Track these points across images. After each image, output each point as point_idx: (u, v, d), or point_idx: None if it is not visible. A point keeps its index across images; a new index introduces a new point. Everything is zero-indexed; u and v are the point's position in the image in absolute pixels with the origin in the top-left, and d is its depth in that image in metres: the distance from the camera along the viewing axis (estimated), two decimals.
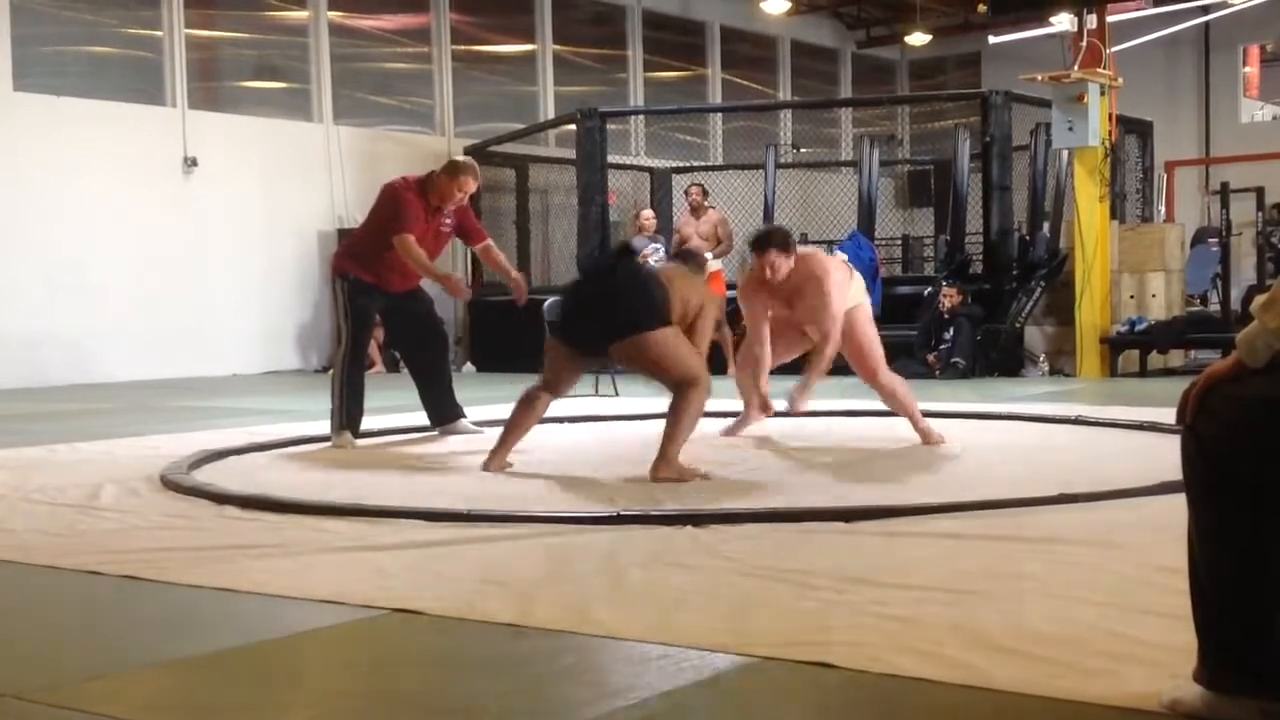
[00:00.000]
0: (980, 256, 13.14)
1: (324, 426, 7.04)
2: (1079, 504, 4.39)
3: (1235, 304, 13.80)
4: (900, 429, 6.50)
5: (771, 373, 6.68)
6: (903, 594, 3.18)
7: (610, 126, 14.68)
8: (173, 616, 3.31)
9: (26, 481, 5.48)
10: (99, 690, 2.66)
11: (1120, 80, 11.59)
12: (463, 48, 16.89)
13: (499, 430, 7.36)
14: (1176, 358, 12.05)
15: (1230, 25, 19.14)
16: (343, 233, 14.64)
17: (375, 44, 16.25)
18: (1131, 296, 11.82)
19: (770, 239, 6.22)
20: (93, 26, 13.80)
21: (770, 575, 3.43)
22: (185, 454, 6.07)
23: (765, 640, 2.80)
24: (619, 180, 16.16)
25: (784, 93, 20.94)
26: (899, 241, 17.65)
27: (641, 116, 17.86)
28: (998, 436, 6.82)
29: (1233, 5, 17.81)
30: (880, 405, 6.71)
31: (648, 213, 14.12)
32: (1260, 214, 15.43)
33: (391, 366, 13.26)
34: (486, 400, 9.10)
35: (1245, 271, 16.03)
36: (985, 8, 13.09)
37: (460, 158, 7.24)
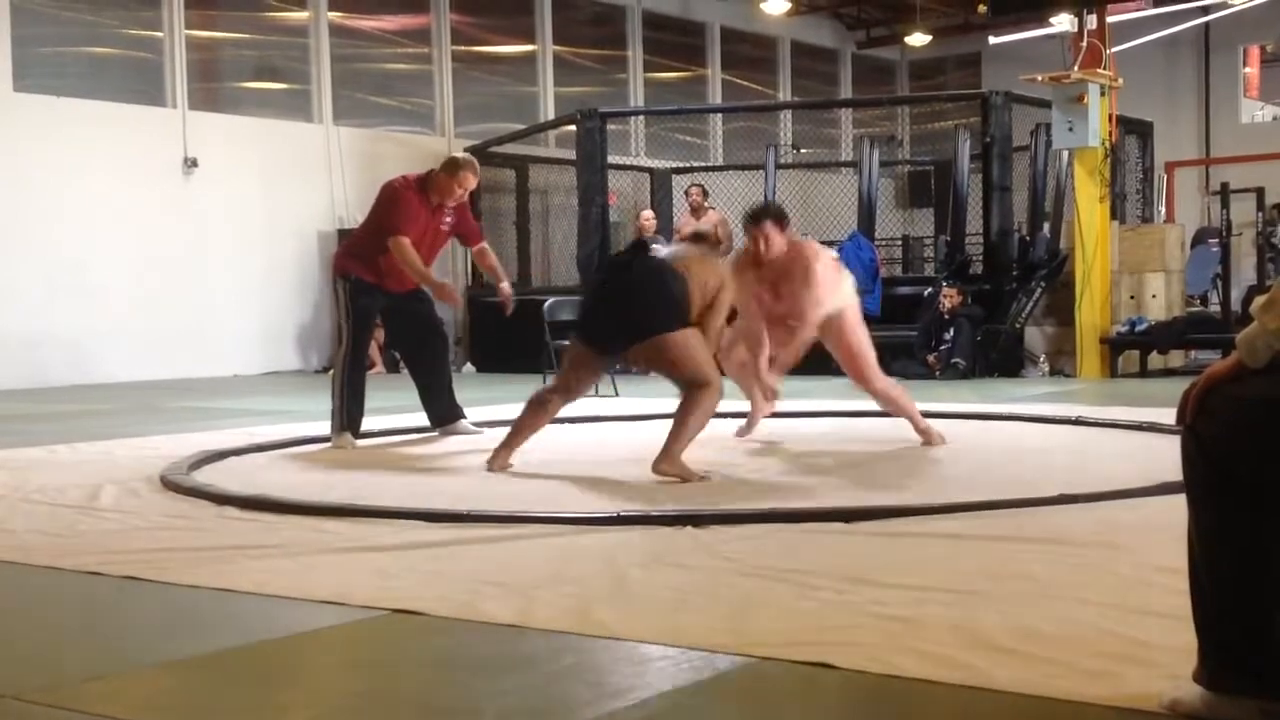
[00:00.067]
0: (980, 257, 13.14)
1: (324, 427, 7.04)
2: (1079, 504, 4.39)
3: (1235, 304, 13.79)
4: (901, 429, 6.50)
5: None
6: (903, 594, 3.18)
7: (610, 127, 14.68)
8: (173, 616, 3.31)
9: (27, 482, 5.48)
10: (99, 690, 2.66)
11: (1120, 81, 11.59)
12: (463, 48, 16.90)
13: (499, 431, 7.37)
14: (1177, 358, 12.06)
15: (1230, 26, 19.14)
16: (343, 233, 14.65)
17: (375, 45, 16.25)
18: (1131, 297, 11.82)
19: (766, 211, 6.26)
20: (93, 27, 13.80)
21: (770, 575, 3.43)
22: (185, 454, 6.07)
23: (765, 640, 2.80)
24: (619, 181, 16.16)
25: (784, 93, 20.94)
26: (899, 242, 17.66)
27: (641, 117, 17.86)
28: (998, 437, 6.82)
29: (1233, 5, 17.81)
30: (880, 406, 6.69)
31: (648, 213, 14.13)
32: (1260, 214, 15.43)
33: (392, 367, 13.27)
34: (486, 401, 9.11)
35: (1245, 272, 16.02)
36: (985, 8, 13.08)
37: (460, 154, 7.24)
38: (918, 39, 20.50)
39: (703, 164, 17.21)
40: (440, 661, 2.84)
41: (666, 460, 5.23)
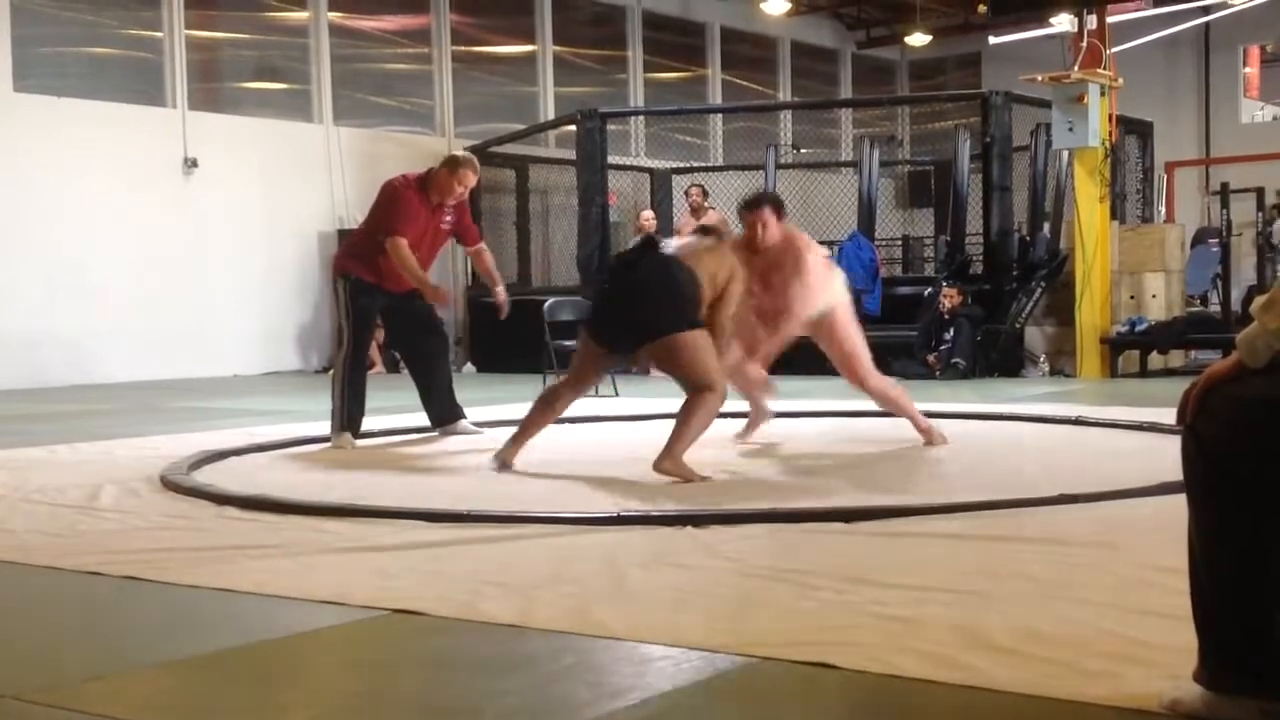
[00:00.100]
0: (980, 257, 13.15)
1: (324, 427, 7.04)
2: (1079, 504, 4.39)
3: (1235, 304, 13.80)
4: (901, 429, 6.50)
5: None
6: (903, 594, 3.18)
7: (610, 127, 14.69)
8: (173, 616, 3.31)
9: (27, 482, 5.49)
10: (99, 690, 2.66)
11: (1120, 81, 11.60)
12: (463, 48, 16.90)
13: (499, 431, 7.37)
14: (1177, 358, 12.06)
15: (1230, 26, 19.14)
16: (343, 233, 14.65)
17: (375, 45, 16.26)
18: (1131, 297, 11.82)
19: (765, 198, 6.23)
20: (93, 27, 13.81)
21: (770, 575, 3.43)
22: (185, 454, 6.07)
23: (766, 640, 2.80)
24: (619, 181, 16.17)
25: (784, 93, 20.94)
26: (899, 242, 17.66)
27: (641, 117, 17.87)
28: (998, 437, 6.82)
29: (1233, 5, 17.82)
30: (878, 405, 6.68)
31: (648, 213, 14.13)
32: (1260, 214, 15.44)
33: (392, 367, 13.26)
34: (487, 401, 9.11)
35: (1245, 272, 16.03)
36: (985, 8, 13.09)
37: (459, 152, 7.25)
38: (918, 39, 20.51)
39: (703, 164, 17.22)
40: (440, 661, 2.84)
41: (668, 460, 5.24)
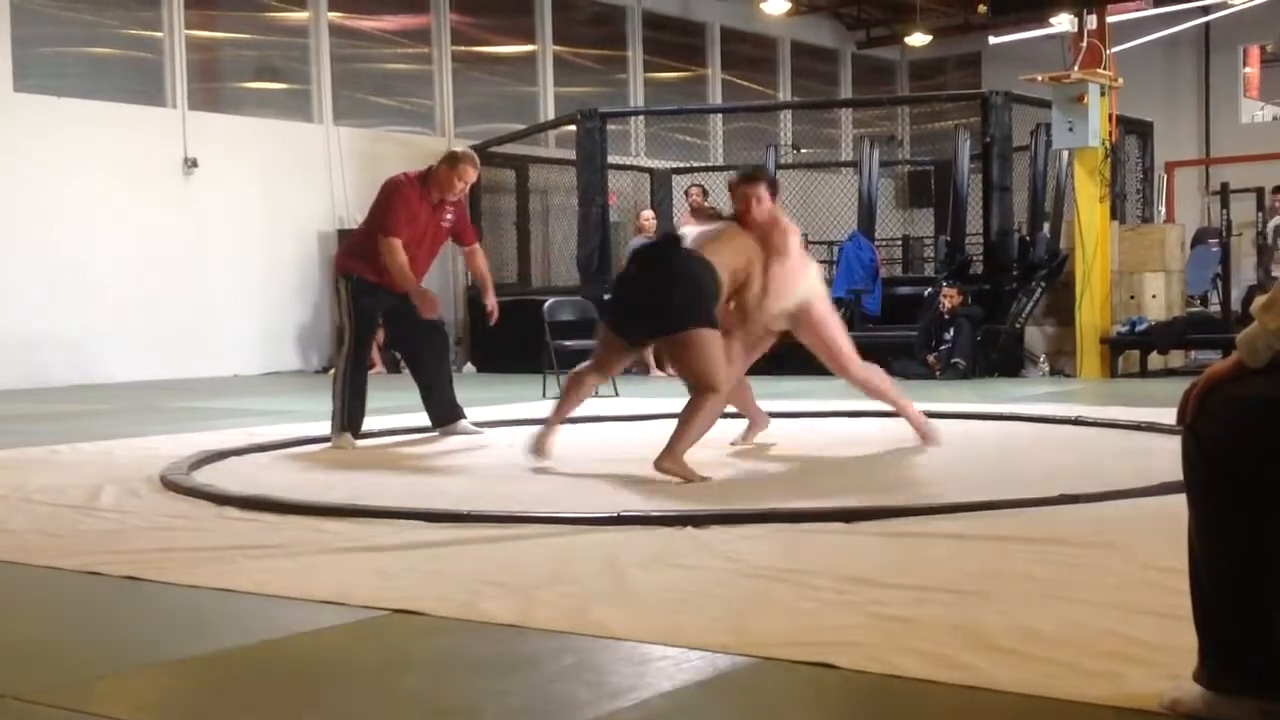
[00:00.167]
0: (980, 257, 13.15)
1: (324, 427, 7.04)
2: (1079, 504, 4.38)
3: (1235, 304, 13.80)
4: (901, 430, 6.50)
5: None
6: (903, 594, 3.18)
7: (610, 127, 14.69)
8: (173, 616, 3.31)
9: (27, 482, 5.49)
10: (99, 690, 2.66)
11: (1120, 81, 11.59)
12: (463, 48, 16.90)
13: (499, 431, 7.38)
14: (1177, 358, 12.06)
15: (1230, 26, 19.14)
16: (343, 233, 14.66)
17: (375, 45, 16.26)
18: (1131, 297, 11.82)
19: (762, 174, 6.20)
20: (93, 27, 13.81)
21: (771, 575, 3.43)
22: (185, 454, 6.07)
23: (766, 640, 2.80)
24: (619, 181, 16.17)
25: (784, 93, 20.94)
26: (899, 242, 17.66)
27: (641, 117, 17.87)
28: (998, 437, 6.82)
29: (1233, 5, 17.82)
30: (880, 406, 6.67)
31: (648, 213, 14.13)
32: (1260, 214, 15.43)
33: (392, 367, 13.27)
34: (487, 401, 9.11)
35: (1245, 272, 16.02)
36: (985, 8, 13.09)
37: (459, 148, 7.26)
38: (918, 39, 20.51)
39: (703, 164, 17.21)
40: (440, 661, 2.84)
41: (669, 458, 5.24)
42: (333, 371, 7.43)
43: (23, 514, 4.73)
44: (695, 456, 5.41)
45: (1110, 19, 11.85)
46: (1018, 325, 11.91)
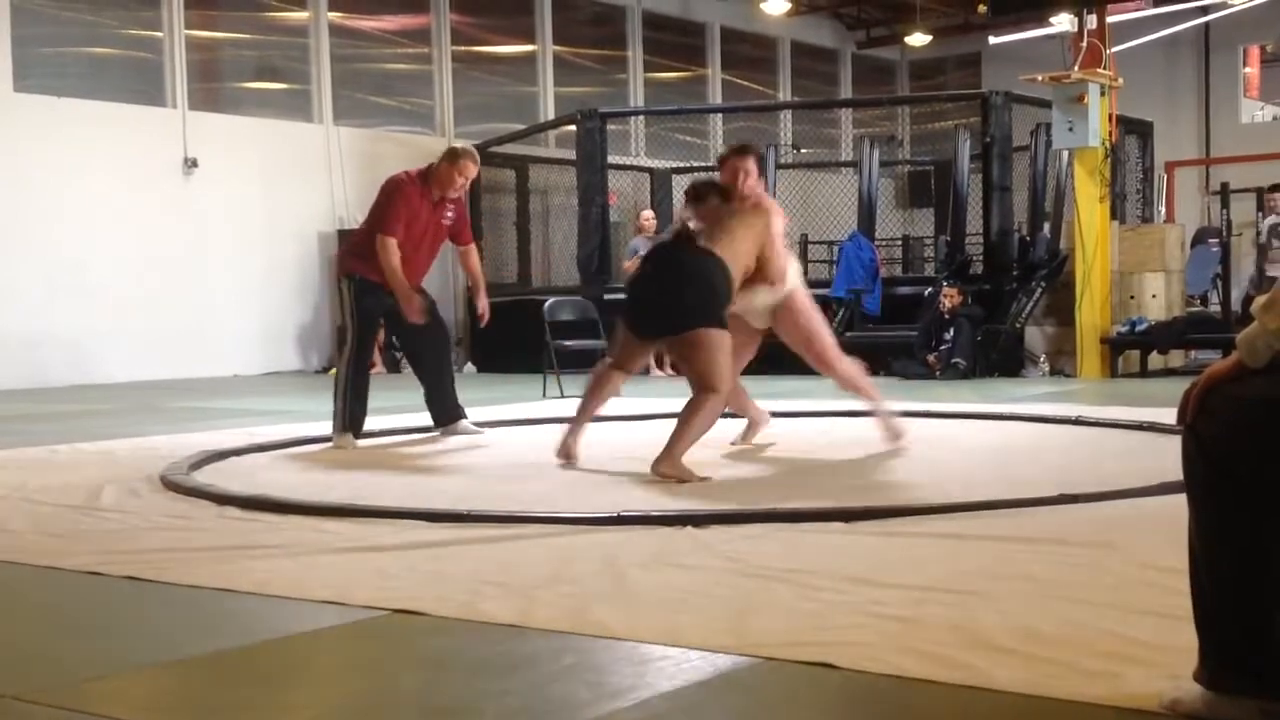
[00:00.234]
0: (980, 257, 13.16)
1: (324, 427, 7.04)
2: (1079, 504, 4.38)
3: (1235, 304, 13.80)
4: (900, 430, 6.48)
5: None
6: (903, 594, 3.18)
7: (610, 127, 14.70)
8: (173, 616, 3.31)
9: (28, 482, 5.49)
10: (99, 690, 2.66)
11: (1120, 81, 11.59)
12: (463, 48, 16.90)
13: (499, 431, 7.38)
14: (1177, 358, 12.06)
15: (1230, 26, 19.14)
16: (343, 233, 14.67)
17: (375, 45, 16.26)
18: (1131, 297, 11.82)
19: (750, 146, 6.17)
20: (93, 27, 13.81)
21: (770, 575, 3.43)
22: (186, 454, 6.07)
23: (766, 640, 2.80)
24: (619, 181, 16.17)
25: (784, 93, 20.94)
26: (899, 242, 17.67)
27: (641, 117, 17.87)
28: (998, 437, 6.82)
29: (1233, 5, 17.82)
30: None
31: (648, 213, 14.13)
32: (1260, 214, 15.44)
33: (392, 367, 13.28)
34: (487, 401, 9.11)
35: (1245, 272, 16.03)
36: (985, 8, 13.09)
37: (459, 144, 7.28)
38: (918, 39, 20.51)
39: (703, 164, 17.19)
40: (440, 661, 2.84)
41: (667, 461, 5.25)
42: (333, 371, 7.43)
43: (23, 514, 4.73)
44: (695, 456, 5.41)
45: (1110, 19, 11.85)
46: (1018, 325, 11.91)
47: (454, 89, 16.71)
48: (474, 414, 7.43)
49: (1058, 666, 2.54)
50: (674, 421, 5.41)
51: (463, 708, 2.50)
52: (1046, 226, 13.14)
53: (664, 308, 5.52)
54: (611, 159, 14.69)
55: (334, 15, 15.51)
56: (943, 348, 11.55)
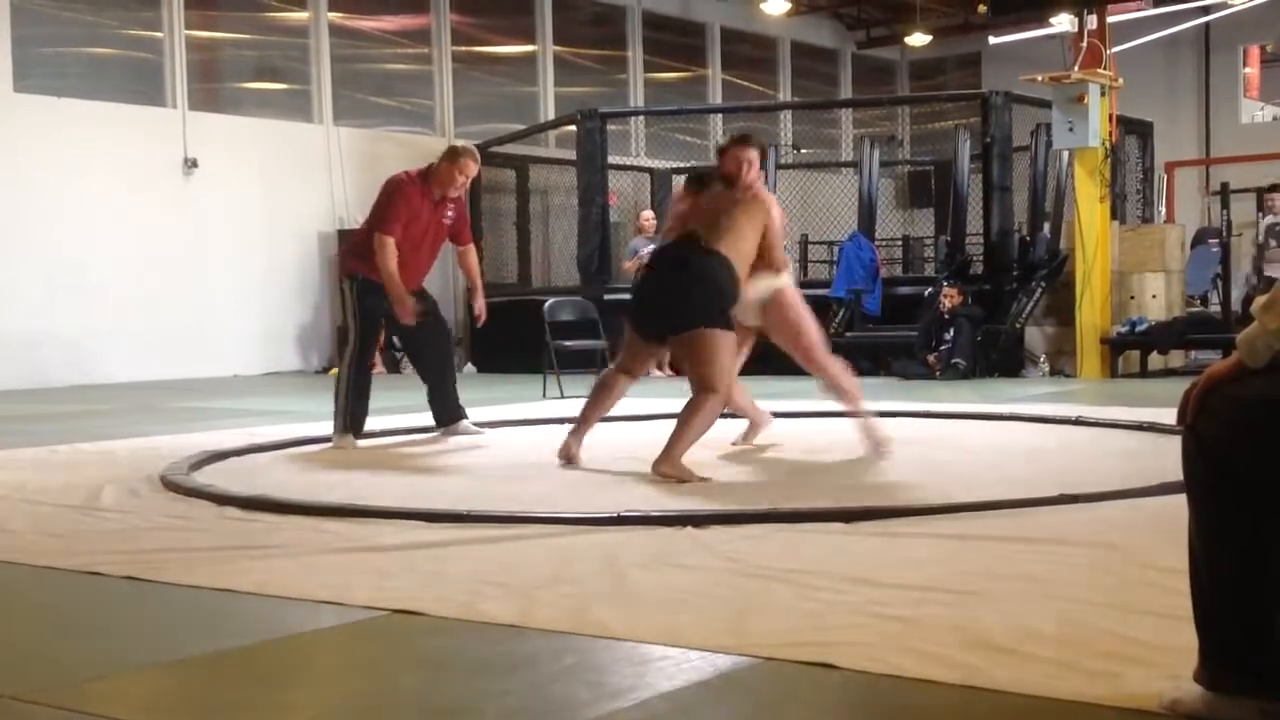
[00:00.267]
0: (981, 257, 13.16)
1: (324, 427, 7.04)
2: (1079, 504, 4.39)
3: (1235, 305, 13.80)
4: (901, 430, 6.49)
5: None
6: (903, 594, 3.18)
7: (610, 127, 14.70)
8: (173, 616, 3.31)
9: (28, 482, 5.49)
10: (99, 690, 2.66)
11: (1120, 81, 11.60)
12: (463, 49, 16.90)
13: (500, 431, 7.38)
14: (1177, 358, 12.06)
15: (1230, 26, 19.14)
16: (343, 233, 14.66)
17: (375, 45, 16.26)
18: (1132, 297, 11.82)
19: (752, 137, 6.11)
20: (93, 28, 13.81)
21: (771, 575, 3.43)
22: (186, 455, 6.07)
23: (766, 641, 2.80)
24: (619, 181, 16.18)
25: (784, 93, 20.94)
26: (899, 242, 17.66)
27: (642, 117, 17.87)
28: (998, 437, 6.82)
29: (1233, 6, 17.82)
30: (880, 406, 6.65)
31: (648, 213, 14.14)
32: (1260, 214, 15.44)
33: (392, 367, 13.28)
34: (487, 401, 9.11)
35: (1245, 272, 16.01)
36: (985, 8, 13.09)
37: (459, 142, 7.29)
38: (918, 39, 20.51)
39: (703, 164, 17.20)
40: (440, 661, 2.84)
41: (667, 461, 5.25)
42: (333, 371, 7.43)
43: (23, 514, 4.73)
44: (695, 456, 5.41)
45: (1110, 19, 11.86)
46: (1018, 325, 11.91)
47: (454, 89, 16.71)
48: (474, 414, 7.43)
49: (1058, 666, 2.54)
50: (674, 422, 5.41)
51: (463, 708, 2.50)
52: (1046, 226, 13.14)
53: (670, 307, 5.52)
54: (611, 159, 14.69)
55: (334, 15, 15.51)
56: (943, 348, 11.55)
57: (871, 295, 12.87)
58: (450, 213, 7.02)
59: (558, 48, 17.98)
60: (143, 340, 13.48)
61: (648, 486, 5.10)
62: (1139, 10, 14.18)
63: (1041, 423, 7.27)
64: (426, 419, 7.28)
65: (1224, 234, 14.22)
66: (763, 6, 18.87)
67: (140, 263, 13.55)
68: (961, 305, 11.73)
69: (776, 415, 6.80)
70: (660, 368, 11.95)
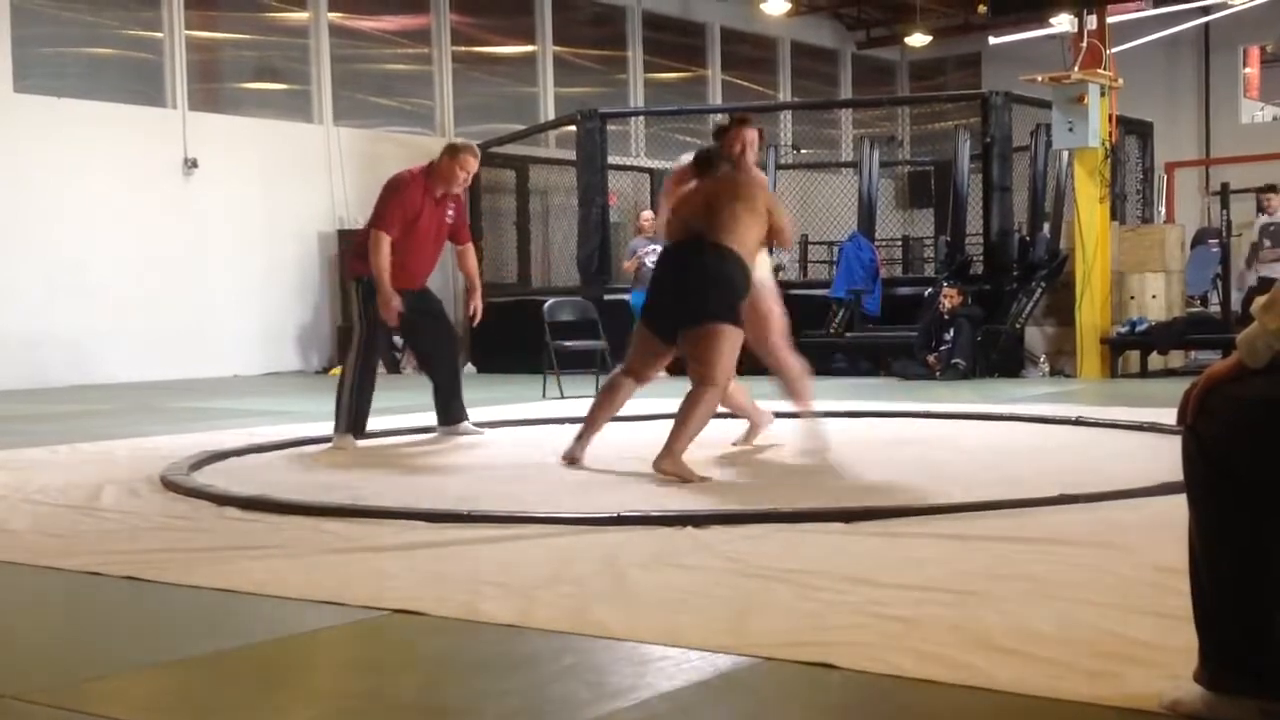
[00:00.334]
0: (980, 257, 13.15)
1: (324, 428, 7.04)
2: (1079, 504, 4.39)
3: (1235, 305, 13.79)
4: (901, 430, 6.49)
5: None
6: (903, 594, 3.18)
7: (610, 127, 14.69)
8: (173, 616, 3.31)
9: (28, 482, 5.49)
10: (99, 690, 2.66)
11: (1120, 81, 11.60)
12: (463, 49, 16.90)
13: (500, 431, 7.38)
14: (1177, 359, 12.06)
15: (1230, 26, 19.15)
16: (343, 234, 14.67)
17: (375, 45, 16.26)
18: (1132, 297, 11.82)
19: (751, 117, 6.10)
20: (93, 28, 13.81)
21: (771, 575, 3.43)
22: (186, 455, 6.07)
23: (766, 641, 2.80)
24: (619, 181, 16.18)
25: (784, 94, 20.94)
26: (899, 242, 17.66)
27: (642, 117, 17.87)
28: (998, 437, 6.82)
29: (1233, 6, 17.82)
30: (880, 406, 6.65)
31: (648, 214, 14.11)
32: (1259, 214, 15.44)
33: (392, 367, 13.27)
34: (487, 401, 9.11)
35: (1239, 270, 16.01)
36: (985, 8, 13.09)
37: (458, 139, 7.29)
38: (918, 39, 20.51)
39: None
40: (440, 661, 2.84)
41: (668, 459, 5.25)
42: (334, 371, 7.42)
43: (23, 514, 4.73)
44: (694, 456, 5.41)
45: (1110, 19, 11.86)
46: (1018, 325, 11.91)
47: (454, 89, 16.70)
48: (474, 414, 7.42)
49: (1058, 666, 2.54)
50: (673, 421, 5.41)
51: (463, 708, 2.50)
52: (1046, 227, 13.14)
53: (684, 303, 5.51)
54: (611, 159, 14.69)
55: (334, 15, 15.51)
56: (943, 348, 11.55)
57: (871, 295, 12.87)
58: (452, 210, 7.04)
59: (558, 48, 17.97)
60: (143, 340, 13.48)
61: (648, 486, 5.10)
62: (1139, 10, 14.19)
63: (1041, 423, 7.27)
64: (426, 419, 7.27)
65: (1224, 234, 14.22)
66: (763, 6, 18.87)
67: (140, 263, 13.55)
68: (961, 305, 11.73)
69: (776, 415, 6.80)
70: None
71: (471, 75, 17.07)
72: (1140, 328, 11.35)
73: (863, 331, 12.73)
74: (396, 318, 6.79)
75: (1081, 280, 11.32)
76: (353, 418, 6.85)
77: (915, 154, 19.28)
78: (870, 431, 6.98)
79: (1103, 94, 11.17)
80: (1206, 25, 19.20)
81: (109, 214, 13.37)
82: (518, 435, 7.23)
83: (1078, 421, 7.14)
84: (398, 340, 11.87)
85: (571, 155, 15.00)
